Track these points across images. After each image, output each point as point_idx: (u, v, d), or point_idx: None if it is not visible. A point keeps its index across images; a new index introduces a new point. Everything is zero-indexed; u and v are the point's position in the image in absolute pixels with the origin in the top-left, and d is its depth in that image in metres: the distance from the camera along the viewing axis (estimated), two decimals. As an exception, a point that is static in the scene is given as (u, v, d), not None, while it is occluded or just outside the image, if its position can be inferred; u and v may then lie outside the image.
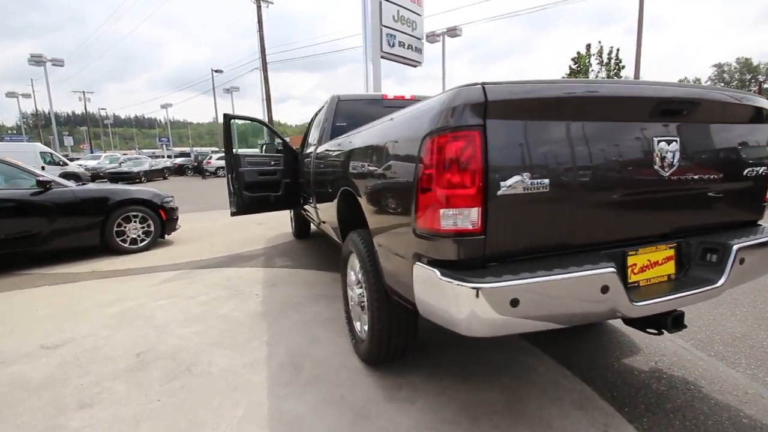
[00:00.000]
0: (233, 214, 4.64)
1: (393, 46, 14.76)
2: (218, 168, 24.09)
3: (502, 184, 1.17)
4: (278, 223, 6.82)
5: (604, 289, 1.22)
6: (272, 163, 4.88)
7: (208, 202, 10.82)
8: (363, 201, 1.83)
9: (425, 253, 1.29)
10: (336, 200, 2.44)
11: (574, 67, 20.93)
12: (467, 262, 1.20)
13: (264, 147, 5.46)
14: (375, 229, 1.72)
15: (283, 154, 4.99)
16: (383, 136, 1.63)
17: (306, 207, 4.35)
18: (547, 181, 1.20)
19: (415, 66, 16.04)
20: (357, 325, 2.25)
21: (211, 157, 24.75)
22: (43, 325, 2.81)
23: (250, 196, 4.63)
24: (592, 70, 20.86)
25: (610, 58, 20.93)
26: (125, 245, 4.93)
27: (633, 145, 1.33)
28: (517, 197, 1.19)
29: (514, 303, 1.14)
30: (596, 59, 20.95)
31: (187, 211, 5.90)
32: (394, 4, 14.53)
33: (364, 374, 2.05)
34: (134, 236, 5.01)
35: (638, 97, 1.34)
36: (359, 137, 2.03)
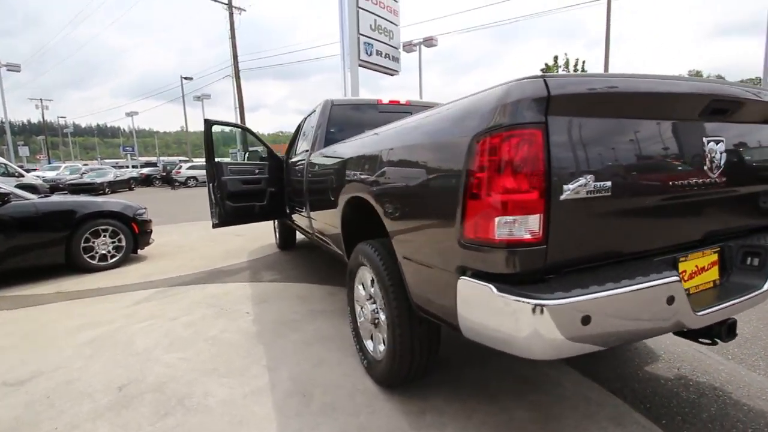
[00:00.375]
0: (215, 225, 4.36)
1: (371, 54, 14.79)
2: (188, 178, 23.23)
3: (565, 187, 1.05)
4: (259, 233, 6.52)
5: (670, 300, 1.12)
6: (256, 171, 4.64)
7: (180, 213, 10.31)
8: (382, 210, 1.67)
9: (473, 266, 1.15)
10: (340, 209, 2.27)
11: (543, 77, 21.77)
12: (524, 275, 1.07)
13: (247, 155, 5.19)
14: (400, 240, 1.56)
15: (268, 162, 4.76)
16: (409, 140, 1.48)
17: (295, 216, 4.13)
18: (609, 183, 1.10)
19: (392, 74, 16.10)
20: (368, 344, 2.08)
21: (180, 167, 23.80)
22: (3, 357, 2.47)
23: (233, 206, 4.37)
24: (560, 81, 21.77)
25: (576, 69, 21.96)
26: (94, 262, 4.52)
27: (687, 145, 1.25)
28: (579, 202, 1.07)
29: (586, 321, 1.01)
30: (563, 70, 21.92)
31: (159, 224, 5.52)
32: (371, 13, 14.60)
33: (382, 399, 1.87)
34: (104, 252, 4.61)
35: (696, 94, 1.27)
36: (372, 142, 1.88)
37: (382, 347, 1.91)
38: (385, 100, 3.51)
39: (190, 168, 24.34)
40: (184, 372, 2.18)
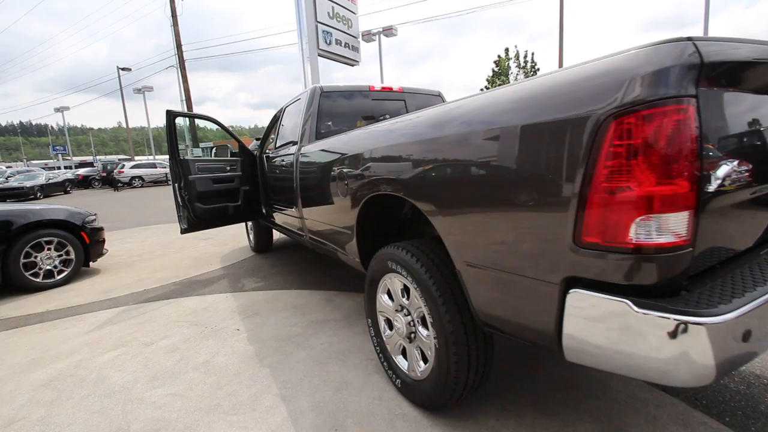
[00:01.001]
0: (184, 231, 3.88)
1: (330, 43, 14.30)
2: (133, 178, 21.46)
3: (714, 176, 0.86)
4: (229, 236, 6.02)
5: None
6: (228, 168, 4.19)
7: (130, 217, 9.38)
8: (431, 207, 1.42)
9: (590, 275, 0.93)
10: (356, 209, 1.99)
11: (496, 69, 22.30)
12: (663, 285, 0.88)
13: (214, 150, 4.69)
14: (460, 243, 1.32)
15: (240, 158, 4.32)
16: (482, 124, 1.22)
17: (277, 216, 3.76)
18: (749, 169, 0.93)
19: (352, 65, 15.66)
20: (400, 361, 1.83)
21: (123, 166, 21.90)
22: (-69, 413, 1.95)
23: (203, 208, 3.91)
24: (512, 73, 22.45)
25: (526, 62, 22.83)
26: (38, 280, 3.87)
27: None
28: (724, 193, 0.89)
29: (746, 336, 0.83)
30: (514, 62, 22.66)
31: (107, 230, 4.85)
32: (329, 0, 14.08)
33: (427, 425, 1.64)
34: (49, 268, 3.96)
35: None
36: (410, 130, 1.60)
37: (422, 365, 1.67)
38: (377, 87, 3.23)
39: (134, 167, 22.48)
40: (180, 413, 1.81)
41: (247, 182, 4.31)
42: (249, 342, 2.49)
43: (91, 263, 4.42)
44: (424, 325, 1.62)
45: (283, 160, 3.28)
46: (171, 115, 3.65)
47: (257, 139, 4.66)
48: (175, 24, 24.49)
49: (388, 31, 16.73)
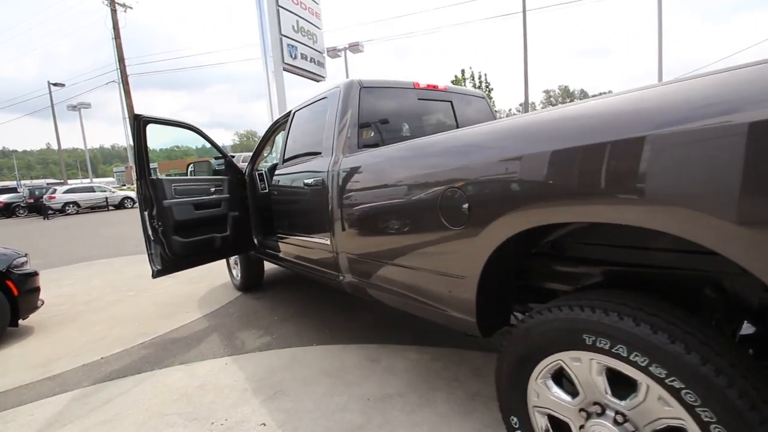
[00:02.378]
0: (158, 273, 2.94)
1: (295, 58, 13.71)
2: (67, 204, 19.04)
3: None
4: (201, 272, 4.97)
5: None
6: (213, 189, 3.32)
7: (67, 250, 7.88)
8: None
9: None
10: (488, 246, 1.28)
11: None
12: None
13: (192, 168, 3.78)
14: None
15: (227, 177, 3.46)
16: None
17: (283, 248, 2.94)
18: None
19: (318, 81, 15.16)
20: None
21: (54, 191, 19.37)
22: None
23: (182, 242, 3.01)
24: (468, 92, 23.47)
25: (481, 81, 23.81)
26: (-64, 356, 2.71)
27: None
28: None
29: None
30: (470, 82, 23.52)
31: (39, 267, 3.71)
32: (293, 13, 13.58)
33: None
34: (-45, 335, 2.82)
35: None
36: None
37: None
38: (422, 84, 2.58)
39: (68, 191, 19.97)
40: None
41: (236, 206, 3.45)
42: (288, 447, 1.66)
43: (21, 321, 3.27)
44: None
45: (302, 177, 2.50)
46: (141, 122, 2.76)
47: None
48: (116, 36, 22.63)
49: (355, 47, 16.35)
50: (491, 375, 2.14)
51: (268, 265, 4.20)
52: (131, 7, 22.88)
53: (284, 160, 2.91)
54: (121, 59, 22.36)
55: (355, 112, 2.22)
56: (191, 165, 3.71)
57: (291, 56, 13.35)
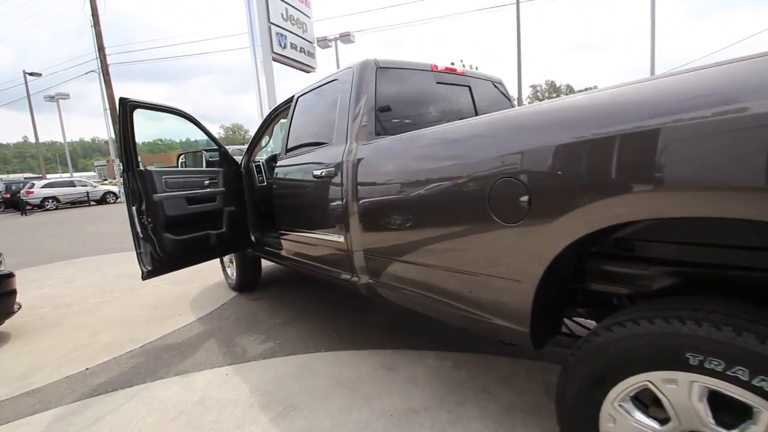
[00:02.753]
0: (148, 275, 2.69)
1: (285, 47, 13.32)
2: (45, 199, 18.31)
3: None
4: (191, 270, 4.70)
5: None
6: (207, 182, 3.06)
7: (47, 248, 7.47)
8: None
9: None
10: (554, 245, 1.09)
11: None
12: None
13: (183, 160, 3.49)
14: None
15: (223, 168, 3.21)
16: None
17: (287, 246, 2.72)
18: None
19: (308, 72, 14.79)
20: None
21: (33, 185, 18.60)
22: None
23: (175, 240, 2.76)
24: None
25: None
26: None
27: None
28: None
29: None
30: (463, 73, 23.48)
31: (17, 268, 3.40)
32: (283, 1, 13.16)
33: None
34: None
35: None
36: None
37: None
38: (440, 66, 2.36)
39: (46, 186, 19.21)
40: None
41: (232, 201, 3.20)
42: (308, 475, 1.45)
43: (-7, 328, 2.98)
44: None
45: (310, 169, 2.27)
46: (127, 107, 2.48)
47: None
48: (96, 24, 21.71)
49: (346, 38, 15.96)
50: (522, 384, 1.98)
51: (265, 263, 3.96)
52: (111, -6, 21.96)
53: (287, 150, 2.66)
54: (101, 48, 21.48)
55: (372, 95, 1.99)
56: (182, 156, 3.42)
57: (280, 45, 12.96)
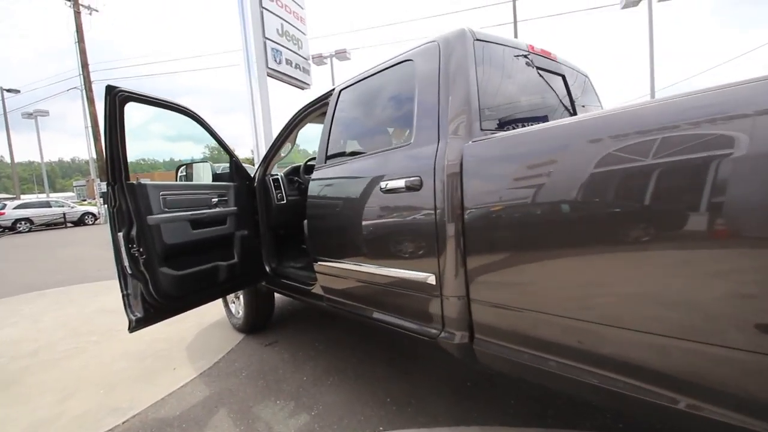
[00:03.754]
0: (137, 325, 2.01)
1: (280, 63, 12.93)
2: (18, 220, 17.14)
3: None
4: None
5: None
6: (215, 200, 2.43)
7: (12, 276, 6.57)
8: None
9: None
10: None
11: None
12: None
13: (182, 173, 2.85)
14: None
15: (235, 183, 2.59)
16: None
17: (323, 279, 2.08)
18: None
19: (303, 88, 14.39)
20: None
21: (4, 206, 17.42)
22: None
23: (176, 276, 2.10)
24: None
25: None
26: None
27: None
28: None
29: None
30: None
31: None
32: (277, 16, 12.88)
33: None
34: None
35: None
36: None
37: None
38: (537, 48, 1.82)
39: (19, 207, 18.03)
40: None
41: (245, 223, 2.57)
42: None
43: None
44: None
45: (371, 179, 1.66)
46: (117, 98, 1.86)
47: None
48: (80, 41, 21.05)
49: (341, 55, 15.65)
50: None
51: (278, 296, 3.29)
52: (97, 10, 21.43)
53: (327, 158, 2.05)
54: (84, 65, 20.78)
55: (474, 76, 1.42)
56: (182, 168, 2.77)
57: (275, 61, 12.60)
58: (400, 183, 1.49)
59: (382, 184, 1.57)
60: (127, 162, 1.91)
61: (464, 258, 1.29)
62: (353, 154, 1.89)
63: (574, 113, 1.95)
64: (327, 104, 2.18)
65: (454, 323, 1.40)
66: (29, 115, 23.37)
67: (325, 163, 2.06)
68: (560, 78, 1.96)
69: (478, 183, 1.25)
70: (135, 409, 2.13)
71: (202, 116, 2.29)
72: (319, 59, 15.35)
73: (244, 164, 2.65)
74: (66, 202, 21.69)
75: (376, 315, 1.77)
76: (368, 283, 1.76)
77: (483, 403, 1.93)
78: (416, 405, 1.96)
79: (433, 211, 1.36)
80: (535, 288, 1.15)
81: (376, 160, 1.69)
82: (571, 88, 1.98)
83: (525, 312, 1.18)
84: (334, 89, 2.13)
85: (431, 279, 1.40)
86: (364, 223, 1.69)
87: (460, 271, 1.32)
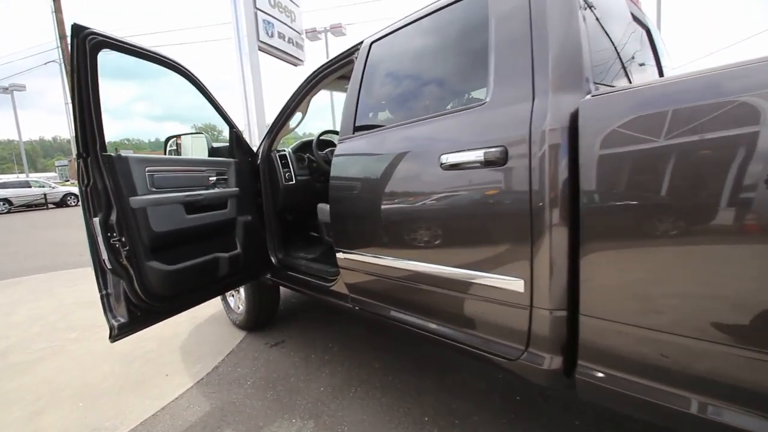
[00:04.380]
0: (119, 332, 1.63)
1: (272, 36, 12.23)
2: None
3: None
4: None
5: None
6: (213, 179, 2.02)
7: (-12, 263, 6.07)
8: None
9: None
10: None
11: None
12: None
13: (172, 145, 2.42)
14: None
15: (235, 159, 2.18)
16: None
17: (351, 273, 1.71)
18: None
19: (296, 65, 13.67)
20: None
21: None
22: None
23: (167, 271, 1.71)
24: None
25: None
26: None
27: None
28: None
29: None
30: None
31: None
32: (269, -16, 12.08)
33: None
34: None
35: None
36: None
37: None
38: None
39: (-3, 187, 17.17)
40: None
41: (248, 207, 2.17)
42: None
43: None
44: None
45: (423, 152, 1.28)
46: (87, 42, 1.42)
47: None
48: (57, 10, 19.75)
49: (337, 30, 14.90)
50: None
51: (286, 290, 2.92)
52: (73, -23, 20.10)
53: (356, 128, 1.66)
54: (62, 36, 19.57)
55: (578, 5, 1.03)
56: (172, 141, 2.34)
57: (267, 34, 11.89)
58: (472, 156, 1.11)
59: (443, 158, 1.19)
60: (102, 128, 1.50)
61: (575, 259, 0.93)
62: (393, 122, 1.49)
63: (661, 74, 1.59)
64: (351, 63, 1.77)
65: (544, 343, 1.05)
66: (5, 90, 22.07)
67: (354, 134, 1.66)
68: (645, 31, 1.58)
69: (603, 155, 0.88)
70: (120, 429, 1.77)
71: (194, 73, 1.86)
72: (313, 34, 14.60)
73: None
74: (47, 182, 20.77)
75: (423, 323, 1.41)
76: (415, 284, 1.39)
77: (540, 423, 1.62)
78: (462, 426, 1.63)
79: (526, 195, 1.00)
80: (691, 304, 0.80)
81: (428, 127, 1.31)
82: (657, 45, 1.61)
83: (673, 337, 0.83)
84: (361, 43, 1.71)
85: (518, 285, 1.04)
86: (411, 208, 1.31)
87: (564, 276, 0.96)
